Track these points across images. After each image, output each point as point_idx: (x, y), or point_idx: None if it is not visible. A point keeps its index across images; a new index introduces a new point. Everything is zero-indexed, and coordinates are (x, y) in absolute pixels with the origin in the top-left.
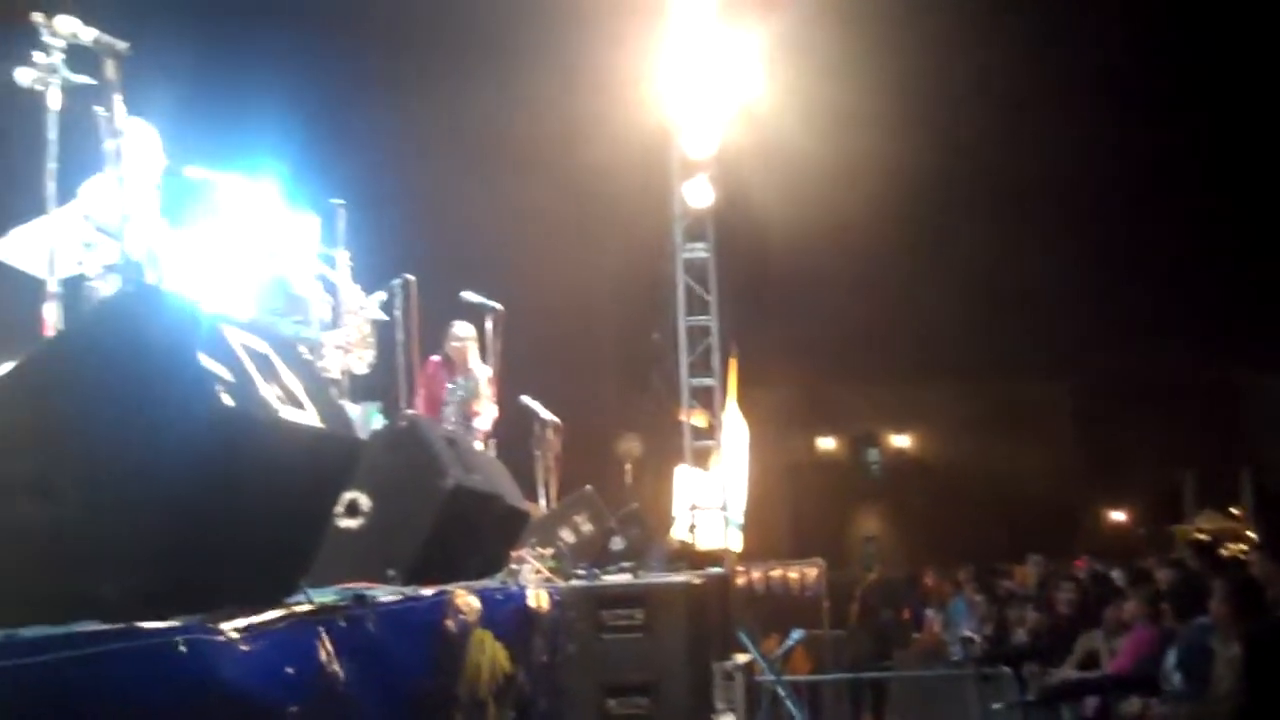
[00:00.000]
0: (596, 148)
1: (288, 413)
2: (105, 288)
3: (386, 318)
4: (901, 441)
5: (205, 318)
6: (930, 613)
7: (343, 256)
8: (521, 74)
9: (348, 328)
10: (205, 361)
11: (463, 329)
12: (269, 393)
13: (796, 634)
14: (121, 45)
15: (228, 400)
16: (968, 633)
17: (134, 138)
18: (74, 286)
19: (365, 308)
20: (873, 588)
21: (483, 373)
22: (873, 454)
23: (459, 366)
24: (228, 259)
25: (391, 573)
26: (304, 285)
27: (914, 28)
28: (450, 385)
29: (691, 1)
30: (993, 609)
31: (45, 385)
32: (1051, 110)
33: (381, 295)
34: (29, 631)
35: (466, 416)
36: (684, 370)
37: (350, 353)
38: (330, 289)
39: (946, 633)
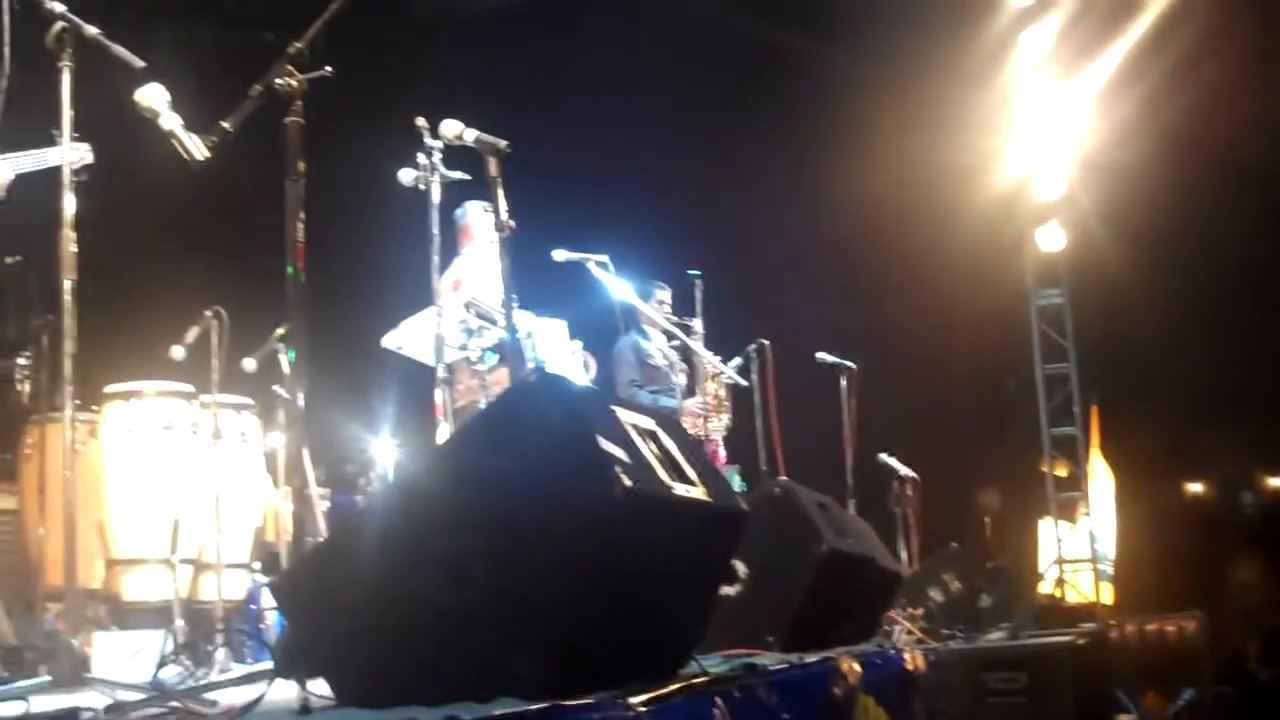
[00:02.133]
0: (945, 199)
1: (679, 489)
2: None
3: (744, 383)
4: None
5: (599, 401)
6: None
7: (698, 325)
8: (868, 133)
9: (705, 394)
10: (603, 444)
11: None
12: (661, 470)
13: (1187, 694)
14: (502, 144)
15: (626, 481)
16: None
17: (474, 226)
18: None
19: (722, 374)
20: None
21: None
22: (1248, 497)
23: None
24: (588, 337)
25: (770, 639)
26: (661, 355)
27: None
28: None
29: (1039, 44)
30: None
31: (456, 471)
32: None
33: (737, 360)
34: (466, 714)
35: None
36: (1044, 419)
37: (708, 419)
38: (687, 357)
39: None
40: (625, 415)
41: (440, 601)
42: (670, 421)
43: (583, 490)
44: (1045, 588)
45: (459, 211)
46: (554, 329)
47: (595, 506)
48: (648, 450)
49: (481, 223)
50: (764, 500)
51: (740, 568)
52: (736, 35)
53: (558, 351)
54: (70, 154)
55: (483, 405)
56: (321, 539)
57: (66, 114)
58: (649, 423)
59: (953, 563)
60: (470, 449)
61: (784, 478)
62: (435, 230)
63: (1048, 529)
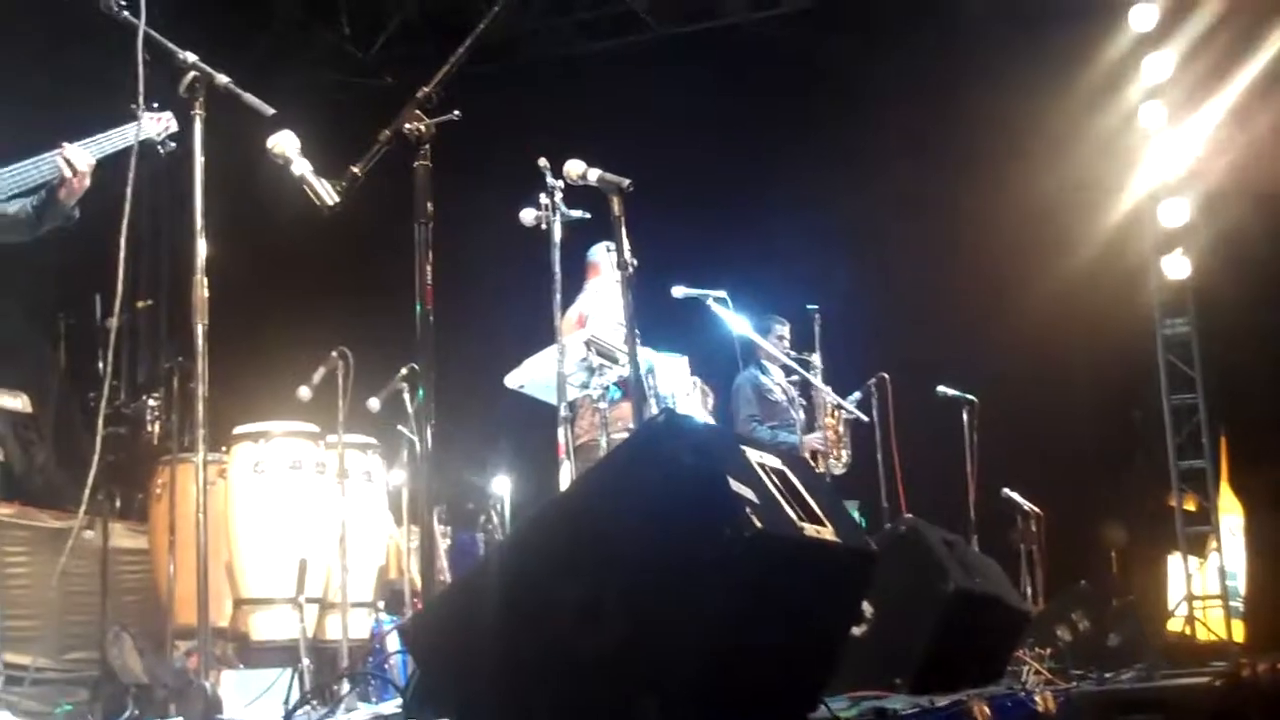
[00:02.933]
0: (1066, 227)
1: (809, 529)
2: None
3: (864, 418)
4: None
5: (728, 440)
6: None
7: (818, 359)
8: (987, 163)
9: (825, 429)
10: (734, 485)
11: None
12: (790, 510)
13: None
14: (625, 183)
15: (757, 522)
16: None
17: (601, 265)
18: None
19: (841, 408)
20: None
21: None
22: None
23: None
24: (707, 372)
25: (898, 681)
26: (780, 390)
27: None
28: None
29: (1161, 70)
30: None
31: (589, 512)
32: None
33: (857, 395)
34: None
35: None
36: (1171, 452)
37: (828, 454)
38: (806, 392)
39: None
40: (754, 454)
41: (571, 645)
42: (797, 459)
43: (714, 532)
44: (1175, 625)
45: (590, 250)
46: (675, 365)
47: (726, 548)
48: (777, 490)
49: (607, 261)
50: (890, 538)
51: (867, 607)
52: (850, 70)
53: (679, 387)
54: (154, 126)
55: (604, 443)
56: (451, 583)
57: (199, 161)
58: (776, 461)
59: (1081, 601)
60: (600, 491)
61: (909, 515)
62: (557, 269)
63: (1176, 565)
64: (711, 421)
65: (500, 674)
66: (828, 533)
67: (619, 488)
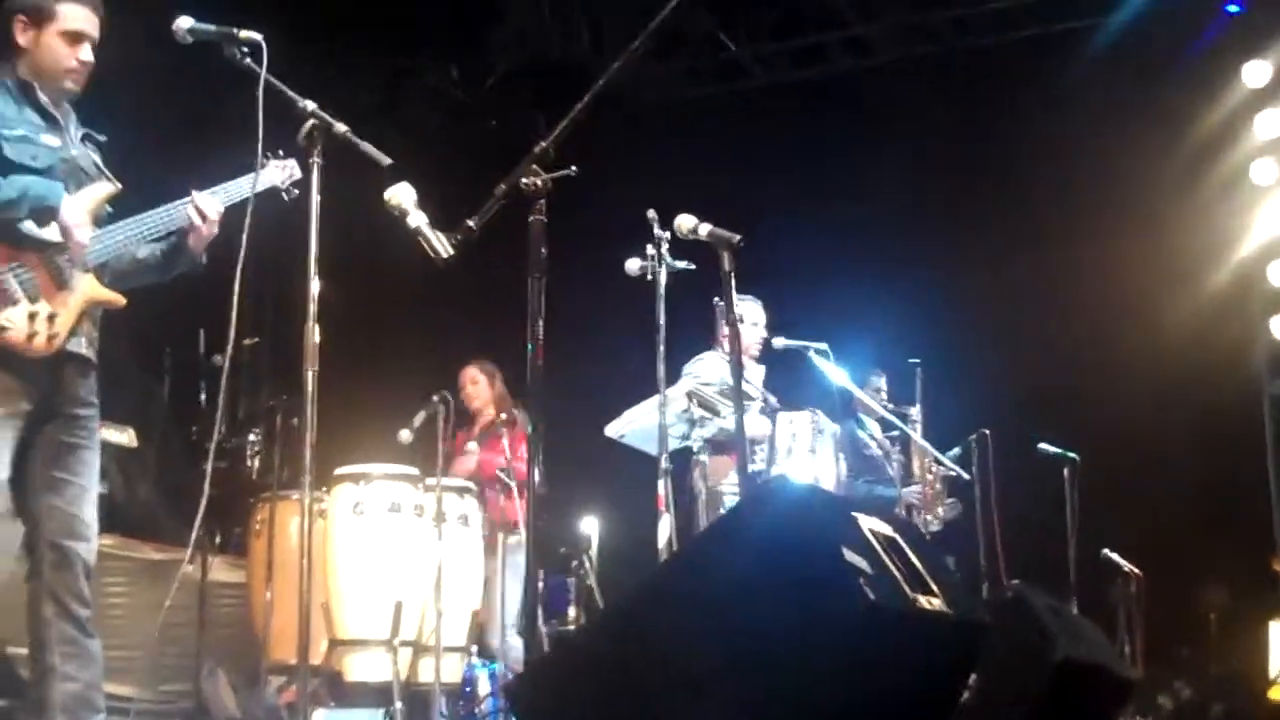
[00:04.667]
0: (1171, 285)
1: (921, 600)
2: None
3: (965, 475)
4: None
5: (841, 507)
6: None
7: (917, 413)
8: (1091, 220)
9: (922, 484)
10: (848, 555)
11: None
12: (903, 581)
13: None
14: (735, 238)
15: (869, 594)
16: None
17: (744, 317)
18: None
19: (940, 464)
20: None
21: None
22: None
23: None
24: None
25: None
26: (877, 445)
27: None
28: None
29: (1273, 126)
30: None
31: (695, 579)
32: None
33: (956, 450)
34: None
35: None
36: (1275, 514)
37: (924, 509)
38: (905, 447)
39: None
40: (866, 522)
41: (678, 715)
42: (906, 524)
43: (826, 602)
44: (1277, 695)
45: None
46: (800, 421)
47: (839, 619)
48: (888, 558)
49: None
50: (996, 604)
51: (970, 676)
52: (954, 125)
53: (804, 443)
54: (279, 174)
55: (704, 496)
56: (556, 642)
57: (315, 208)
58: (887, 528)
59: (1182, 669)
60: (707, 557)
61: (1016, 581)
62: (661, 320)
63: (1278, 631)
64: (842, 466)
65: None
66: (939, 603)
67: (728, 555)
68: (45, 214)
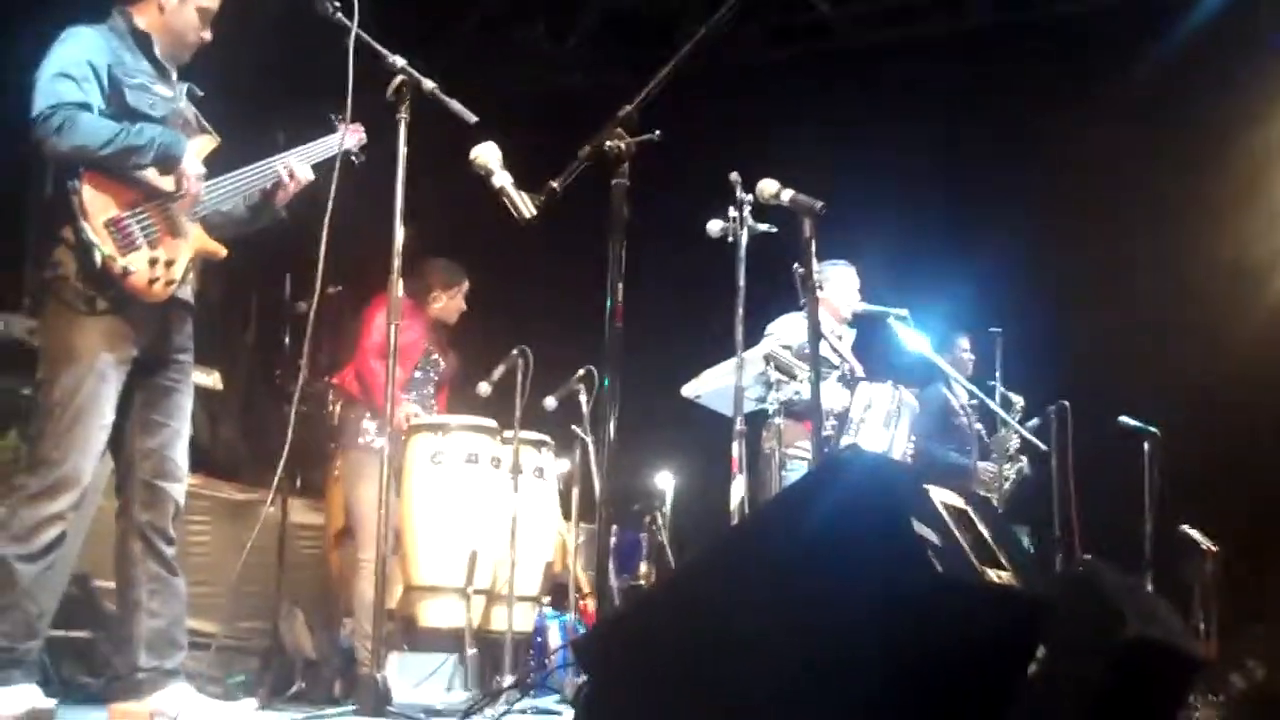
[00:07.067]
0: (1265, 261)
1: (990, 574)
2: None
3: (1043, 446)
4: None
5: (913, 478)
6: None
7: (1019, 401)
8: (1177, 189)
9: (1000, 455)
10: (917, 527)
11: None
12: (972, 554)
13: None
14: (818, 205)
15: (938, 566)
16: None
17: (829, 283)
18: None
19: (1019, 435)
20: None
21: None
22: None
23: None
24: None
25: None
26: (963, 413)
27: None
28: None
29: None
30: None
31: (765, 544)
32: None
33: (1035, 421)
34: None
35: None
36: None
37: (1002, 481)
38: (985, 417)
39: None
40: (937, 493)
41: (742, 681)
42: (976, 498)
43: (895, 573)
44: None
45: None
46: (880, 394)
47: (907, 591)
48: (959, 532)
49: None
50: (1066, 580)
51: (1038, 650)
52: (1049, 93)
53: (878, 416)
54: (351, 139)
55: (776, 459)
56: (626, 599)
57: (402, 163)
58: (959, 500)
59: (1256, 645)
60: (777, 523)
61: (1088, 556)
62: (741, 282)
63: None
64: (913, 439)
65: (672, 701)
66: (1007, 578)
67: (796, 522)
68: (170, 163)
